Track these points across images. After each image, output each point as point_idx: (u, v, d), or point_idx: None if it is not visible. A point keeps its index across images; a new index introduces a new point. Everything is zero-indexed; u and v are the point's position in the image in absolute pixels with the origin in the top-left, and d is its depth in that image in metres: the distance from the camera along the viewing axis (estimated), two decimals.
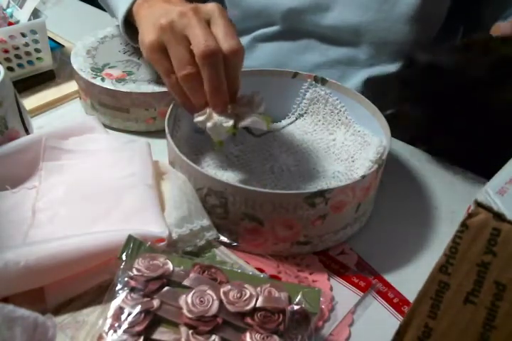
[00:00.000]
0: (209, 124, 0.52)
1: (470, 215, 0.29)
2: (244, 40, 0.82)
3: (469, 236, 0.30)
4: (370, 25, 0.72)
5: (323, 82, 0.62)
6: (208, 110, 0.52)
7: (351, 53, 0.75)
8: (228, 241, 0.51)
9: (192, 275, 0.41)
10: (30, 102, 0.69)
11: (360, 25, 0.72)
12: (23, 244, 0.46)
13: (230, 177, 0.56)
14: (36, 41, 0.71)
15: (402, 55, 0.74)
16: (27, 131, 0.59)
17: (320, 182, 0.57)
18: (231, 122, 0.51)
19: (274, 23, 0.78)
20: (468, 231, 0.30)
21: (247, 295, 0.40)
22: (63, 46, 0.79)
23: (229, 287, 0.40)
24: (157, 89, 0.64)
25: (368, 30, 0.72)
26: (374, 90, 0.75)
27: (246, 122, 0.52)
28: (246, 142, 0.62)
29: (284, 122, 0.66)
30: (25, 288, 0.43)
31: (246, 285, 0.41)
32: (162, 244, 0.46)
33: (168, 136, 0.52)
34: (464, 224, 0.30)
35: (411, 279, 0.51)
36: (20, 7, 0.73)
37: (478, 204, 0.29)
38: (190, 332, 0.38)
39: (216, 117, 0.51)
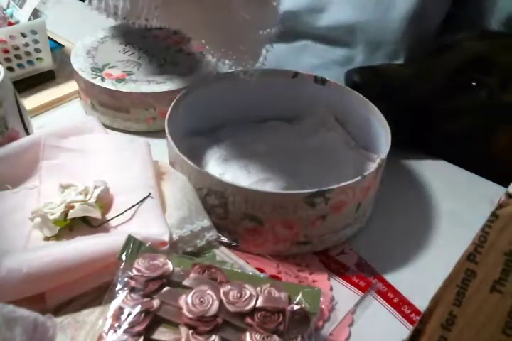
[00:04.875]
0: (37, 220, 0.47)
1: (500, 205, 0.30)
2: None
3: (499, 226, 0.30)
4: (365, 26, 0.72)
5: (323, 82, 0.62)
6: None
7: (348, 54, 0.76)
8: (228, 241, 0.51)
9: (192, 275, 0.41)
10: (30, 102, 0.69)
11: (356, 26, 0.72)
12: (25, 251, 0.46)
13: (229, 177, 0.56)
14: (36, 41, 0.70)
15: (399, 56, 0.74)
16: (27, 131, 0.59)
17: (320, 182, 0.56)
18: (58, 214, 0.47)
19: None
20: (498, 221, 0.30)
21: (247, 295, 0.40)
22: (63, 46, 0.79)
23: (229, 287, 0.40)
24: (157, 89, 0.64)
25: (364, 31, 0.72)
26: None
27: (76, 212, 0.47)
28: (246, 143, 0.62)
29: (283, 122, 0.66)
30: (27, 294, 0.43)
31: (246, 285, 0.41)
32: (165, 247, 0.45)
33: (168, 136, 0.52)
34: (494, 214, 0.30)
35: (411, 279, 0.51)
36: (20, 7, 0.73)
37: (509, 196, 0.30)
38: (190, 332, 0.38)
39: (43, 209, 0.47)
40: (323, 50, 0.77)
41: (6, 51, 0.69)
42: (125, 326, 0.38)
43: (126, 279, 0.40)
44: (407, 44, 0.73)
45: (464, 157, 0.64)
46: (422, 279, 0.49)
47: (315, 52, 0.78)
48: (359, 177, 0.48)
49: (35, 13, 0.72)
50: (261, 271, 0.49)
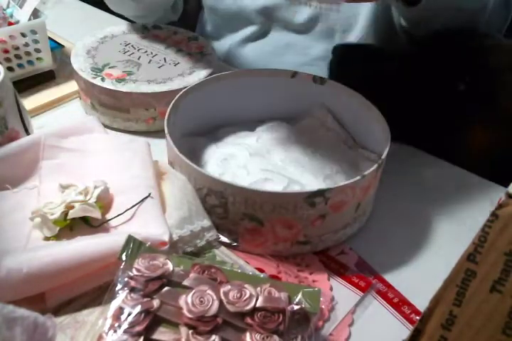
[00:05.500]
0: (37, 220, 0.47)
1: (500, 205, 0.30)
2: (227, 43, 0.83)
3: (499, 225, 0.30)
4: (339, 15, 0.74)
5: (322, 81, 0.62)
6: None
7: (328, 47, 0.77)
8: (228, 241, 0.51)
9: (192, 275, 0.41)
10: (30, 102, 0.69)
11: (330, 16, 0.74)
12: (24, 251, 0.46)
13: (229, 177, 0.56)
14: (36, 41, 0.70)
15: (376, 42, 0.76)
16: (27, 131, 0.59)
17: (319, 182, 0.56)
18: (58, 214, 0.47)
19: (252, 23, 0.80)
20: (498, 221, 0.30)
21: (247, 295, 0.40)
22: (63, 46, 0.79)
23: (229, 287, 0.40)
24: (157, 89, 0.64)
25: (338, 20, 0.74)
26: None
27: (76, 212, 0.47)
28: (246, 143, 0.62)
29: (283, 122, 0.66)
30: (27, 294, 0.43)
31: (246, 285, 0.41)
32: (165, 247, 0.45)
33: (168, 136, 0.52)
34: (494, 214, 0.30)
35: (411, 279, 0.51)
36: (20, 7, 0.73)
37: (510, 196, 0.30)
38: (190, 332, 0.38)
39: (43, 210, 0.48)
40: (306, 48, 0.78)
41: (6, 51, 0.69)
42: (125, 326, 0.38)
43: (126, 279, 0.40)
44: (379, 35, 0.74)
45: (443, 148, 0.65)
46: (422, 279, 0.49)
47: (298, 50, 0.79)
48: (359, 177, 0.48)
49: (35, 13, 0.72)
50: (261, 271, 0.49)
